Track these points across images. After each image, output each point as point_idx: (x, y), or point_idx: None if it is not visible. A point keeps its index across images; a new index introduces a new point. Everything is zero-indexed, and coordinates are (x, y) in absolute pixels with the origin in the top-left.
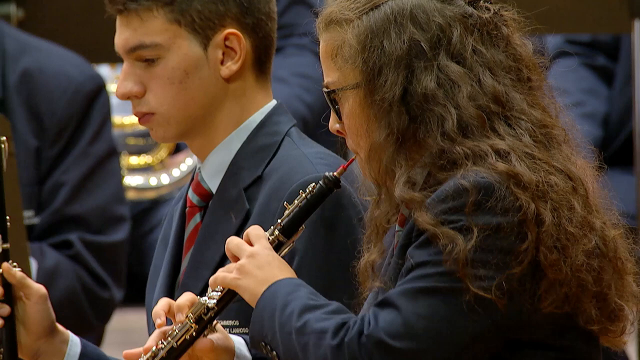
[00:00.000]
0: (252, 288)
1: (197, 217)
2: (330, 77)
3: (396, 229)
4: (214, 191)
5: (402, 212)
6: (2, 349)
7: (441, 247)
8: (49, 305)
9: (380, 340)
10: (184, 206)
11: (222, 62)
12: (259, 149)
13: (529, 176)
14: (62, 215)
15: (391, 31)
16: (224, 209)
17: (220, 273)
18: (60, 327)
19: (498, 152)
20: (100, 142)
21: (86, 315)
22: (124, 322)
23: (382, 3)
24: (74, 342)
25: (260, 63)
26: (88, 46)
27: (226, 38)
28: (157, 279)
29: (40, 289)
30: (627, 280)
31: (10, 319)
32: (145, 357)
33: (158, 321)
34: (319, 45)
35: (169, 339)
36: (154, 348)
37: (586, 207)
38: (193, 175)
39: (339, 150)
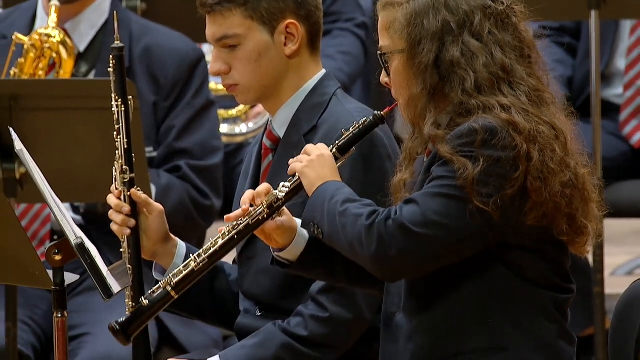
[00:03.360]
0: (312, 178)
1: (270, 157)
2: (383, 42)
3: (424, 160)
4: (281, 137)
5: (429, 148)
6: (130, 251)
7: (456, 169)
8: (165, 219)
9: (402, 224)
10: (260, 148)
11: (285, 44)
12: (314, 105)
13: (523, 124)
14: (173, 149)
15: (430, 13)
16: (289, 150)
17: (295, 162)
18: (172, 235)
19: (502, 106)
20: (200, 96)
21: (194, 218)
22: (216, 232)
23: None
24: (181, 245)
25: (312, 43)
26: (193, 29)
27: (287, 26)
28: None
29: (159, 206)
30: (591, 206)
31: (135, 229)
32: (229, 227)
33: (244, 207)
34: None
35: (247, 217)
36: (234, 222)
37: (564, 150)
38: (266, 126)
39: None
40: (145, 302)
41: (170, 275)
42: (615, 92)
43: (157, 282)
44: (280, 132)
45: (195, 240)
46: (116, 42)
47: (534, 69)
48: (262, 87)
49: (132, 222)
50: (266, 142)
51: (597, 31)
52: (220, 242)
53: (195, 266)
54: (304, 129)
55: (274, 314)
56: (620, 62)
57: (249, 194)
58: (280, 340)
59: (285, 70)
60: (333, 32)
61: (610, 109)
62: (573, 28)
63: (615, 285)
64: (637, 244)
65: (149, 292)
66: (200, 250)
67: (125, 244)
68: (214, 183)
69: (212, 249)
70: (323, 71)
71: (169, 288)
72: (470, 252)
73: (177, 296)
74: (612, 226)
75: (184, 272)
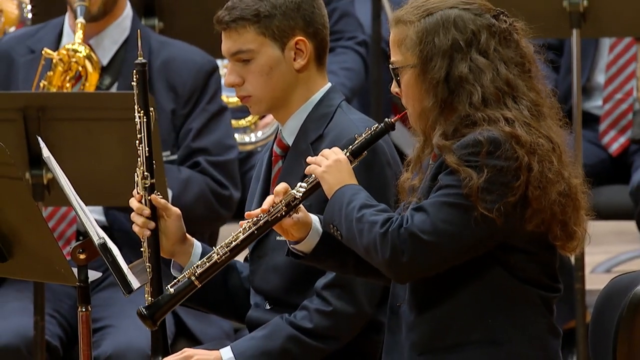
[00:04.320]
0: (331, 183)
1: (279, 163)
2: (395, 57)
3: (430, 163)
4: (290, 145)
5: (435, 152)
6: (149, 250)
7: (462, 179)
8: (182, 222)
9: (413, 232)
10: (271, 155)
11: (294, 59)
12: (320, 116)
13: (525, 137)
14: (191, 149)
15: (440, 32)
16: (297, 157)
17: (313, 165)
18: (188, 236)
19: (506, 119)
20: (214, 103)
21: (215, 208)
22: (228, 232)
23: (435, 12)
24: (197, 245)
25: (319, 58)
26: (206, 46)
27: (296, 43)
28: (252, 204)
29: (176, 210)
30: (581, 213)
31: (155, 231)
32: (249, 223)
33: (264, 206)
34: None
35: (266, 214)
36: (255, 218)
37: (560, 162)
38: (276, 135)
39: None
40: (171, 290)
41: (194, 266)
42: (595, 104)
43: (175, 278)
44: (290, 140)
45: (208, 236)
46: (139, 59)
47: (533, 83)
48: (273, 98)
49: (152, 224)
50: (276, 149)
51: (578, 48)
52: (241, 236)
53: (218, 258)
54: (311, 138)
55: (282, 308)
56: (600, 77)
57: (269, 199)
58: (287, 332)
59: (295, 83)
60: (336, 50)
61: (591, 120)
62: (556, 45)
63: (595, 282)
64: (615, 244)
65: (174, 280)
66: (223, 244)
67: (145, 244)
68: (231, 175)
69: (234, 243)
70: (329, 84)
71: (192, 278)
72: (475, 254)
73: (200, 285)
74: (592, 227)
75: (208, 264)
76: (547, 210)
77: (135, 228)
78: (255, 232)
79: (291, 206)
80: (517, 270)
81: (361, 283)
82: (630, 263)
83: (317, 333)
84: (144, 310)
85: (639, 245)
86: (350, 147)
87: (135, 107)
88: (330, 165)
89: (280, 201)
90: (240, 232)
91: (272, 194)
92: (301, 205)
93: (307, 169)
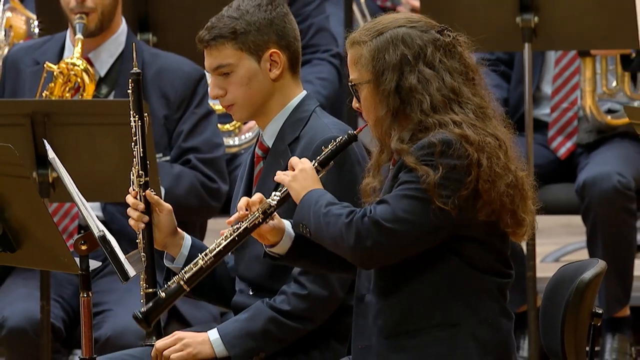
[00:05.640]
0: (298, 190)
1: (261, 163)
2: (353, 75)
3: (390, 167)
4: (270, 147)
5: (395, 158)
6: (144, 242)
7: (420, 176)
8: (173, 216)
9: (376, 220)
10: (253, 156)
11: (269, 70)
12: (297, 120)
13: (473, 137)
14: (183, 148)
15: (390, 49)
16: (276, 158)
17: (282, 175)
18: (179, 229)
19: (455, 122)
20: (202, 106)
21: (205, 200)
22: (216, 224)
23: (385, 32)
24: (187, 238)
25: (293, 68)
26: (196, 59)
27: (271, 55)
28: (237, 202)
29: (168, 206)
30: (528, 202)
31: (149, 224)
32: (230, 230)
33: (240, 212)
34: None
35: (244, 222)
36: (235, 226)
37: (506, 157)
38: (258, 138)
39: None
40: (163, 294)
41: (183, 271)
42: (544, 111)
43: (167, 268)
44: (269, 142)
45: (199, 229)
46: (134, 69)
47: (477, 89)
48: (253, 105)
49: (146, 218)
50: (258, 151)
51: (529, 61)
52: (224, 243)
53: (204, 264)
54: (288, 140)
55: (264, 293)
56: (547, 87)
57: (243, 201)
58: (268, 314)
59: (272, 91)
60: (312, 61)
61: (540, 125)
62: (507, 59)
63: (544, 270)
64: (563, 236)
65: (165, 286)
66: (207, 250)
67: (140, 236)
68: (219, 170)
69: (217, 249)
70: (304, 92)
71: (181, 282)
72: (432, 244)
73: (188, 289)
74: (542, 221)
75: (194, 269)
76: (497, 201)
77: (131, 222)
78: (236, 238)
79: (267, 214)
80: (472, 260)
81: None
82: (576, 253)
83: (294, 314)
84: (139, 314)
85: (583, 237)
86: (318, 158)
87: (131, 112)
88: (296, 174)
89: (257, 209)
90: (222, 239)
91: (255, 191)
92: (275, 213)
93: (276, 178)
